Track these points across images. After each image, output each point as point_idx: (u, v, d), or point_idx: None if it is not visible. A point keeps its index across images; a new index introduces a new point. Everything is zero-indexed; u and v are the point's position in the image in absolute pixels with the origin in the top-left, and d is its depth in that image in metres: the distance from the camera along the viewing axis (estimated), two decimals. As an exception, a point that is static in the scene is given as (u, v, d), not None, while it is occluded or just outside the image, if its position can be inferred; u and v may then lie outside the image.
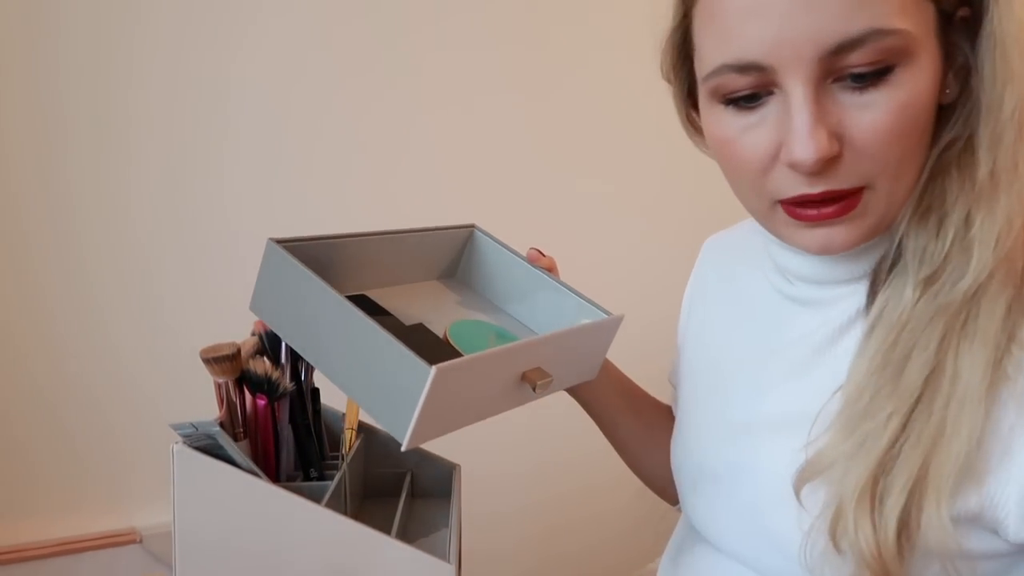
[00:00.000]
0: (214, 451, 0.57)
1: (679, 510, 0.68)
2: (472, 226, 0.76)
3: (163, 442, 0.56)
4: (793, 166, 0.44)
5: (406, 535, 0.66)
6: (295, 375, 0.66)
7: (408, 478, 0.75)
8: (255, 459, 0.61)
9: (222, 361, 0.61)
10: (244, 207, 1.14)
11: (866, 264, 0.50)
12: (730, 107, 0.46)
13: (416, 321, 0.67)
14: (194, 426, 0.56)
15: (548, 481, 1.45)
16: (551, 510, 1.47)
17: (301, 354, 0.60)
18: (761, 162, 0.46)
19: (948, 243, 0.45)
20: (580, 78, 1.36)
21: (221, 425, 0.58)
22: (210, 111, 1.10)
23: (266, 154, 1.15)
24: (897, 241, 0.48)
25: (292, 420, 0.66)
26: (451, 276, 0.79)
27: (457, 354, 0.62)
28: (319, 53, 1.16)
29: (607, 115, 1.39)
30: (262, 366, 0.63)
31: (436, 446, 0.60)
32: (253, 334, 0.67)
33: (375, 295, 0.68)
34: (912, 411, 0.44)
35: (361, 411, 0.74)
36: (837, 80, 0.43)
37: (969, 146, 0.45)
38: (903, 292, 0.47)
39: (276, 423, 0.65)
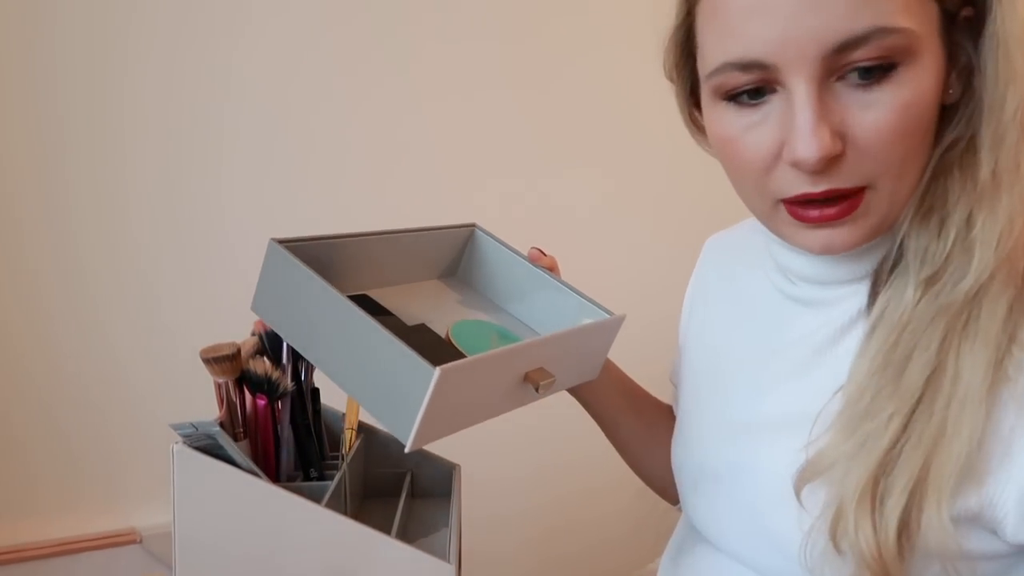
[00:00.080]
0: (214, 451, 0.57)
1: (680, 510, 0.68)
2: (473, 225, 0.76)
3: (163, 442, 0.56)
4: (796, 164, 0.43)
5: (406, 535, 0.66)
6: (295, 375, 0.66)
7: (408, 478, 0.74)
8: (255, 459, 0.61)
9: (222, 361, 0.60)
10: (243, 207, 1.14)
11: (868, 264, 0.50)
12: (732, 105, 0.46)
13: (417, 321, 0.67)
14: (194, 426, 0.56)
15: (548, 481, 1.45)
16: (551, 510, 1.47)
17: (303, 354, 0.60)
18: (764, 161, 0.46)
19: (950, 243, 0.45)
20: (581, 77, 1.36)
21: (221, 425, 0.57)
22: (208, 111, 1.10)
23: (265, 154, 1.15)
24: (899, 241, 0.48)
25: (292, 420, 0.66)
26: (452, 275, 0.79)
27: (460, 355, 0.61)
28: (316, 51, 1.16)
29: (608, 114, 1.39)
30: (262, 366, 0.63)
31: (436, 446, 0.60)
32: (253, 334, 0.67)
33: (376, 295, 0.68)
34: (913, 412, 0.44)
35: (361, 411, 0.74)
36: (840, 79, 0.42)
37: (971, 146, 0.45)
38: (904, 292, 0.47)
39: (276, 423, 0.65)
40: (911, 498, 0.43)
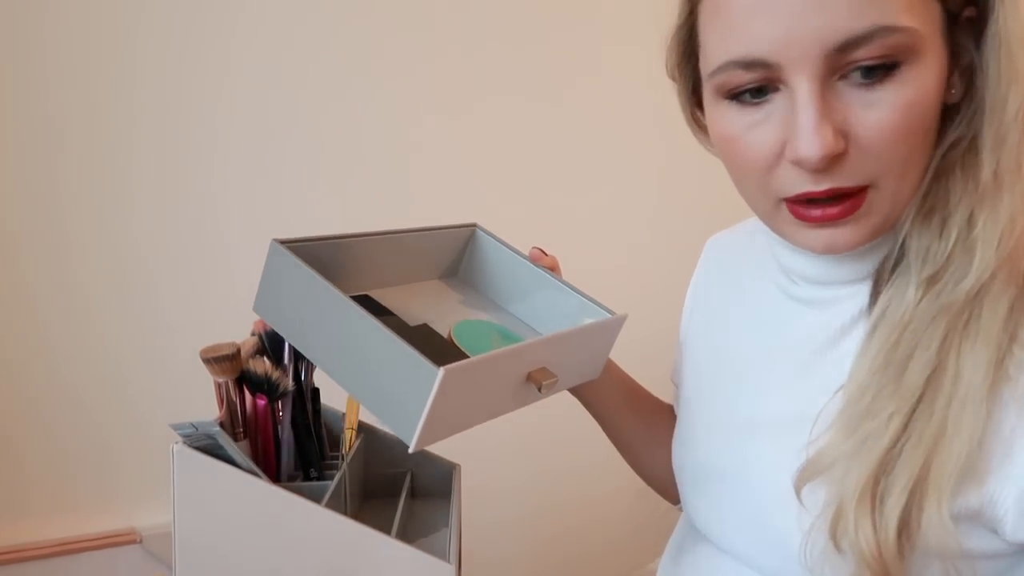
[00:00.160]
0: (214, 451, 0.57)
1: (680, 510, 0.68)
2: (474, 225, 0.76)
3: (163, 442, 0.56)
4: (798, 163, 0.43)
5: (406, 535, 0.66)
6: (295, 375, 0.66)
7: (408, 478, 0.74)
8: (255, 459, 0.61)
9: (222, 361, 0.60)
10: (243, 207, 1.14)
11: (870, 264, 0.50)
12: (735, 104, 0.46)
13: (419, 321, 0.67)
14: (194, 426, 0.56)
15: (548, 481, 1.45)
16: (552, 510, 1.47)
17: (305, 355, 0.60)
18: (766, 159, 0.46)
19: (951, 243, 0.45)
20: (581, 77, 1.36)
21: (221, 425, 0.57)
22: (208, 110, 1.10)
23: (265, 154, 1.15)
24: (900, 241, 0.48)
25: (292, 420, 0.66)
26: (453, 275, 0.79)
27: (463, 355, 0.61)
28: (320, 52, 1.16)
29: (608, 114, 1.39)
30: (262, 366, 0.63)
31: (436, 446, 0.60)
32: (253, 334, 0.67)
33: (378, 295, 0.68)
34: (913, 411, 0.44)
35: (361, 411, 0.74)
36: (843, 78, 0.42)
37: (973, 146, 0.45)
38: (906, 292, 0.47)
39: (276, 423, 0.65)
40: (911, 497, 0.43)
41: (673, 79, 0.55)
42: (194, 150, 1.11)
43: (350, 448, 0.70)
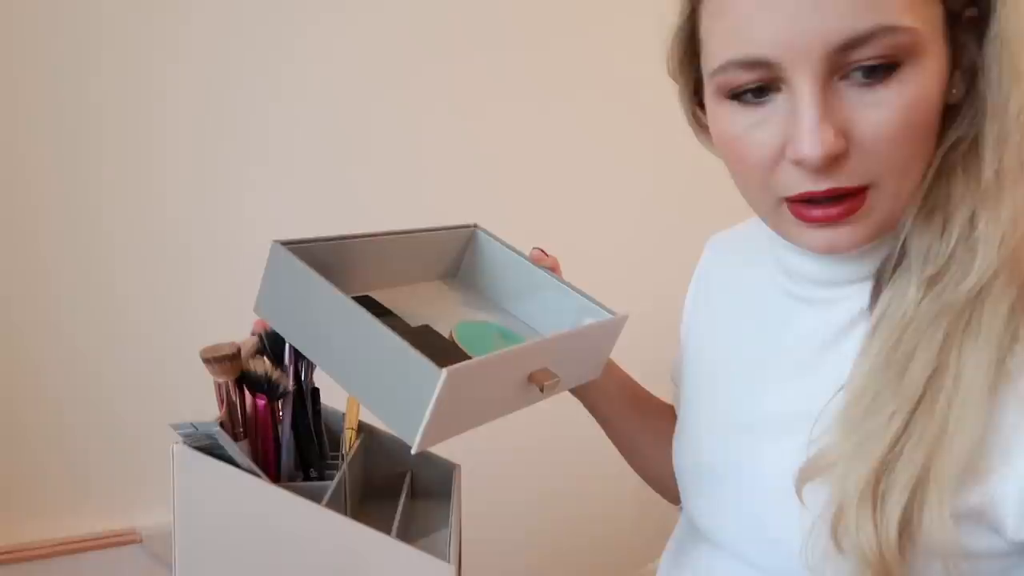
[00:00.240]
0: (214, 451, 0.57)
1: (681, 509, 0.68)
2: (474, 226, 0.76)
3: (163, 442, 0.56)
4: (799, 162, 0.43)
5: (406, 535, 0.66)
6: (295, 375, 0.66)
7: (408, 478, 0.74)
8: (255, 459, 0.61)
9: (222, 361, 0.60)
10: (243, 207, 1.14)
11: (871, 264, 0.50)
12: (736, 103, 0.46)
13: (420, 322, 0.67)
14: (194, 426, 0.56)
15: (548, 481, 1.45)
16: (552, 510, 1.47)
17: (307, 356, 0.60)
18: (767, 159, 0.45)
19: (952, 243, 0.45)
20: (580, 76, 1.36)
21: (221, 425, 0.57)
22: (211, 112, 1.10)
23: (266, 154, 1.15)
24: (901, 241, 0.48)
25: (292, 420, 0.66)
26: (453, 276, 0.78)
27: (465, 356, 0.61)
28: (324, 53, 1.16)
29: (608, 114, 1.39)
30: (262, 366, 0.63)
31: (436, 446, 0.60)
32: (253, 334, 0.67)
33: (379, 296, 0.68)
34: (914, 411, 0.44)
35: (361, 411, 0.74)
36: (844, 77, 0.42)
37: (975, 146, 0.45)
38: (907, 291, 0.47)
39: (276, 423, 0.65)
40: (912, 497, 0.43)
41: (674, 78, 0.54)
42: (195, 150, 1.11)
43: (350, 448, 0.70)
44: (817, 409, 0.49)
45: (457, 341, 0.66)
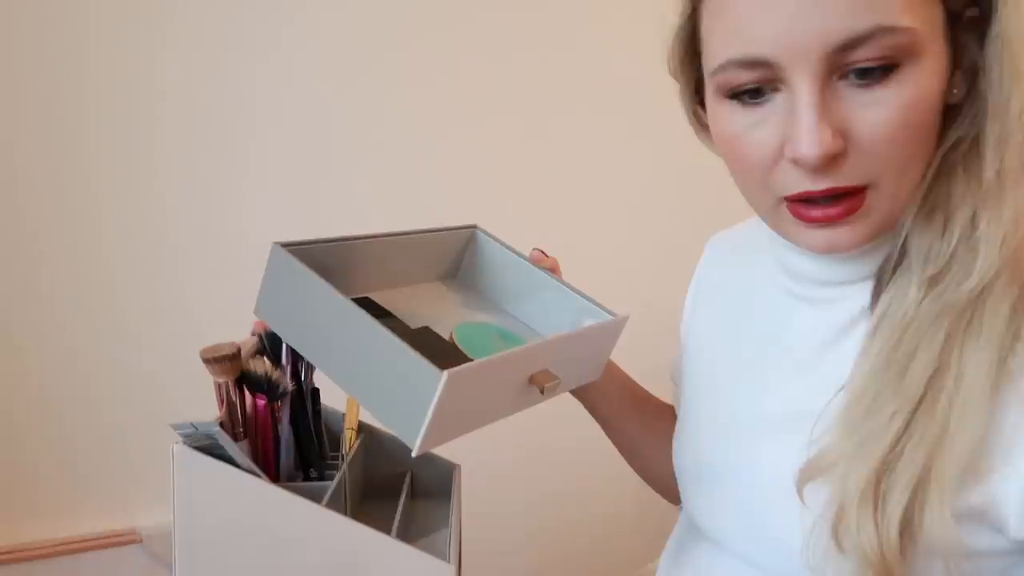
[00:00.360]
0: (214, 451, 0.57)
1: (681, 509, 0.68)
2: (474, 226, 0.76)
3: (163, 442, 0.56)
4: (797, 162, 0.44)
5: (406, 535, 0.66)
6: (295, 375, 0.66)
7: (408, 478, 0.74)
8: (255, 459, 0.61)
9: (222, 361, 0.60)
10: (243, 208, 1.14)
11: (872, 264, 0.50)
12: (736, 103, 0.46)
13: (420, 323, 0.67)
14: (194, 426, 0.56)
15: (548, 481, 1.45)
16: (551, 510, 1.47)
17: (307, 358, 0.60)
18: (766, 158, 0.46)
19: (954, 242, 0.45)
20: (580, 76, 1.36)
21: (221, 425, 0.57)
22: (210, 113, 1.10)
23: (266, 155, 1.15)
24: (902, 240, 0.48)
25: (292, 420, 0.66)
26: (453, 277, 0.78)
27: (465, 358, 0.61)
28: (325, 55, 1.16)
29: (608, 114, 1.39)
30: (262, 366, 0.63)
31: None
32: (253, 334, 0.67)
33: (378, 297, 0.68)
34: (915, 411, 0.44)
35: (361, 411, 0.74)
36: (843, 77, 0.43)
37: (976, 146, 0.45)
38: (907, 291, 0.47)
39: (276, 423, 0.65)
40: (913, 496, 0.43)
41: (675, 77, 0.55)
42: (195, 150, 1.11)
43: (350, 448, 0.70)
44: (817, 408, 0.49)
45: (457, 343, 0.66)
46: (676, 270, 0.81)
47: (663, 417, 0.75)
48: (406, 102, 1.23)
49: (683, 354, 0.70)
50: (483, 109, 1.29)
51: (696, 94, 0.54)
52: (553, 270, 0.73)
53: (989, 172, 0.44)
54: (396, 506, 0.67)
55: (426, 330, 0.66)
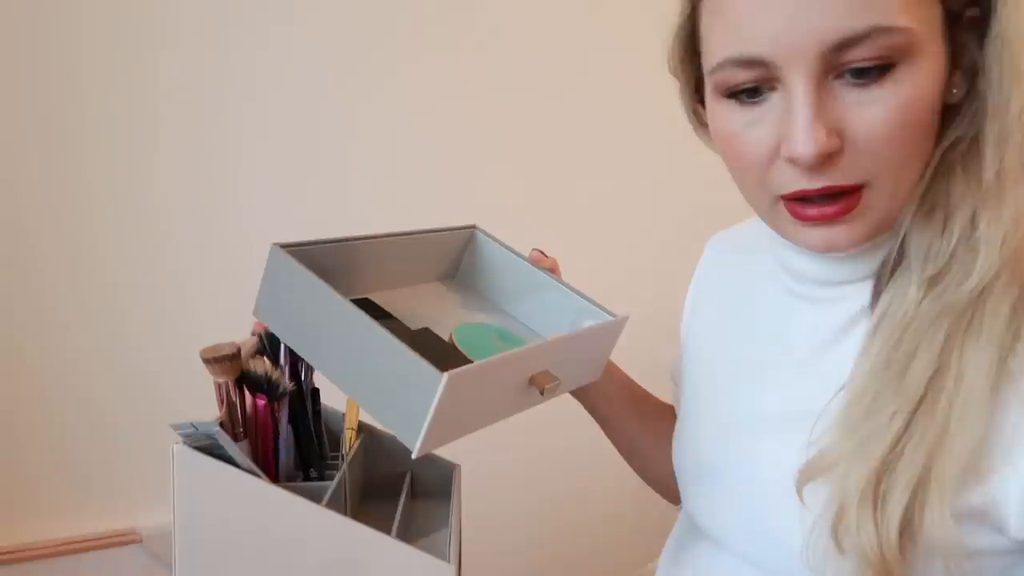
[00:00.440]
0: (214, 451, 0.57)
1: (681, 508, 0.68)
2: (473, 227, 0.76)
3: (163, 442, 0.56)
4: (792, 160, 0.44)
5: (406, 535, 0.66)
6: (295, 375, 0.66)
7: (408, 478, 0.74)
8: (255, 459, 0.61)
9: (222, 361, 0.60)
10: (242, 208, 1.14)
11: (872, 263, 0.50)
12: (734, 102, 0.47)
13: (420, 324, 0.67)
14: (194, 426, 0.56)
15: (548, 481, 1.45)
16: (551, 510, 1.47)
17: (306, 360, 0.59)
18: (763, 157, 0.46)
19: (953, 242, 0.45)
20: (579, 76, 1.36)
21: (221, 425, 0.57)
22: (211, 114, 1.10)
23: (265, 155, 1.15)
24: (901, 239, 0.48)
25: (292, 420, 0.66)
26: (452, 277, 0.78)
27: (465, 359, 0.61)
28: (323, 54, 1.16)
29: (607, 113, 1.39)
30: (262, 366, 0.63)
31: (436, 446, 0.60)
32: (253, 334, 0.67)
33: (377, 298, 0.68)
34: (915, 411, 0.44)
35: (361, 411, 0.74)
36: (839, 77, 0.43)
37: (975, 145, 0.45)
38: (907, 291, 0.47)
39: (276, 423, 0.65)
40: (913, 497, 0.43)
41: (675, 76, 0.55)
42: (196, 150, 1.11)
43: (350, 448, 0.70)
44: (817, 408, 0.49)
45: (457, 344, 0.66)
46: (676, 270, 0.81)
47: (663, 417, 0.75)
48: (405, 102, 1.23)
49: (683, 354, 0.70)
50: (483, 109, 1.29)
51: (696, 93, 0.54)
52: (552, 270, 0.73)
53: (989, 172, 0.44)
54: (396, 506, 0.67)
55: (426, 331, 0.66)
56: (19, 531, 1.08)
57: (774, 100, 0.45)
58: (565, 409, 0.78)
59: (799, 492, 0.47)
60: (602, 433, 0.77)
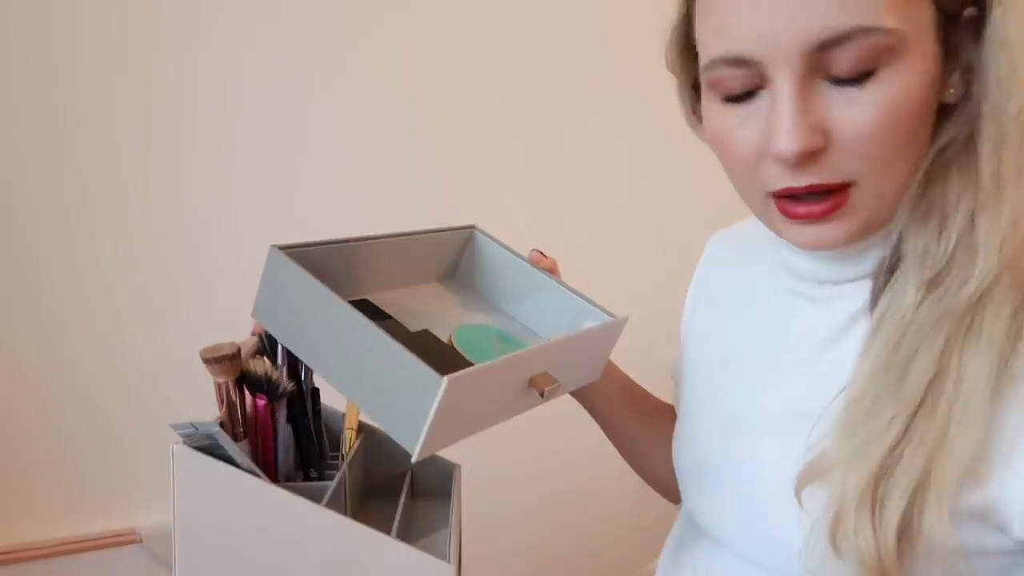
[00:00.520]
0: (214, 451, 0.57)
1: (681, 507, 0.68)
2: (472, 227, 0.76)
3: (163, 442, 0.56)
4: (776, 158, 0.44)
5: (406, 535, 0.66)
6: (295, 375, 0.66)
7: (408, 478, 0.74)
8: (255, 459, 0.61)
9: (222, 361, 0.60)
10: (242, 208, 1.14)
11: (870, 263, 0.50)
12: (724, 101, 0.47)
13: (419, 325, 0.67)
14: (194, 426, 0.56)
15: (548, 481, 1.45)
16: (551, 510, 1.47)
17: (305, 362, 0.59)
18: (752, 155, 0.46)
19: (951, 245, 0.45)
20: (579, 76, 1.36)
21: (221, 425, 0.57)
22: (211, 114, 1.10)
23: (265, 156, 1.15)
24: (896, 240, 0.48)
25: (292, 420, 0.66)
26: (451, 278, 0.78)
27: (465, 361, 0.61)
28: (322, 53, 1.16)
29: (607, 113, 1.39)
30: (262, 366, 0.63)
31: (436, 446, 0.60)
32: (253, 334, 0.67)
33: (376, 299, 0.68)
34: (914, 415, 0.44)
35: (361, 411, 0.74)
36: (825, 76, 0.43)
37: (971, 146, 0.45)
38: (905, 293, 0.47)
39: (276, 423, 0.65)
40: (912, 501, 0.43)
41: (674, 74, 0.55)
42: (194, 150, 1.11)
43: (350, 448, 0.70)
44: (818, 407, 0.49)
45: (456, 346, 0.65)
46: (676, 270, 0.81)
47: (663, 417, 0.75)
48: (404, 102, 1.23)
49: (683, 354, 0.70)
50: (481, 109, 1.29)
51: (693, 91, 0.55)
52: (552, 270, 0.73)
53: (985, 173, 0.44)
54: (396, 506, 0.67)
55: (425, 333, 0.66)
56: (17, 531, 1.08)
57: (762, 99, 0.45)
58: (565, 410, 0.78)
59: (798, 496, 0.47)
60: (602, 433, 0.77)
